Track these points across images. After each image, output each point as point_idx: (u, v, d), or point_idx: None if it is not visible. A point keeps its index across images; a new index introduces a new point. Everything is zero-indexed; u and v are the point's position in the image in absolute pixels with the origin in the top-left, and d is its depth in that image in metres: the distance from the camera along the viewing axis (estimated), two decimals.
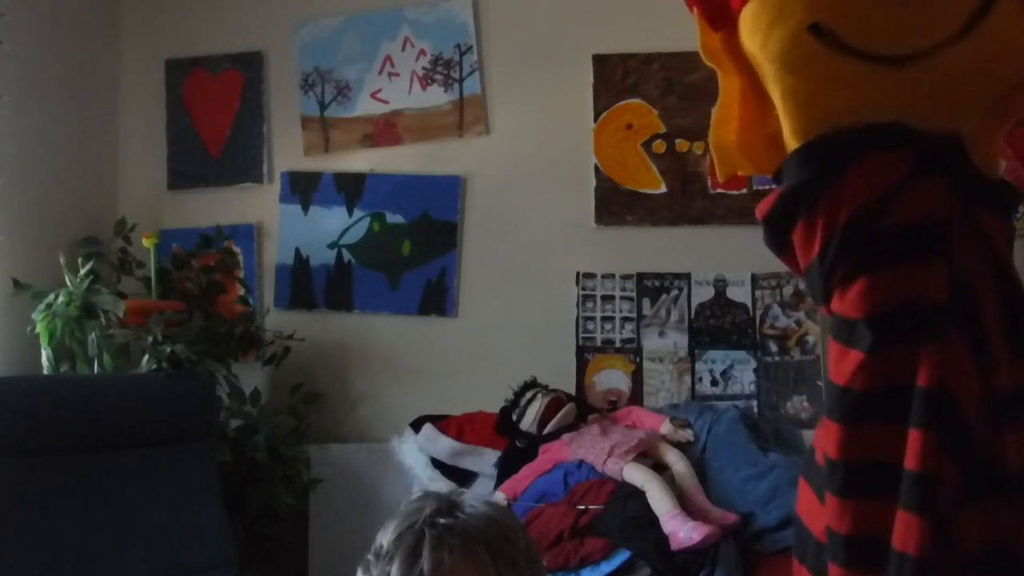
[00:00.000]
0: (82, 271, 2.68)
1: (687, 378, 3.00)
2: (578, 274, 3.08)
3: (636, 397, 3.00)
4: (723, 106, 1.52)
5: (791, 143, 1.39)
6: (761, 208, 1.45)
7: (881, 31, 1.30)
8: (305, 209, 3.24)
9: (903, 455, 1.28)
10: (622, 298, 3.06)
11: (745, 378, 2.97)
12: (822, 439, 1.40)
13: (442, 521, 1.14)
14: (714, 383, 2.98)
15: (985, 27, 1.27)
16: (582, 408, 2.83)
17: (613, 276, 3.07)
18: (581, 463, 2.57)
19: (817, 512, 1.40)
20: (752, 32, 1.38)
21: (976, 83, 1.32)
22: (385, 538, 1.15)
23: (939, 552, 1.24)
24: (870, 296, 1.33)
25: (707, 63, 1.52)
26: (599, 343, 3.05)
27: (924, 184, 1.32)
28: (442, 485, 2.74)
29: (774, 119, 1.42)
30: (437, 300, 3.15)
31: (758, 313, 2.99)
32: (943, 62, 1.29)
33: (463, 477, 2.83)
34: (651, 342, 3.03)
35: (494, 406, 2.86)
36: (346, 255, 3.20)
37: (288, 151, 3.27)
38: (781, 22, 1.34)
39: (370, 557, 1.16)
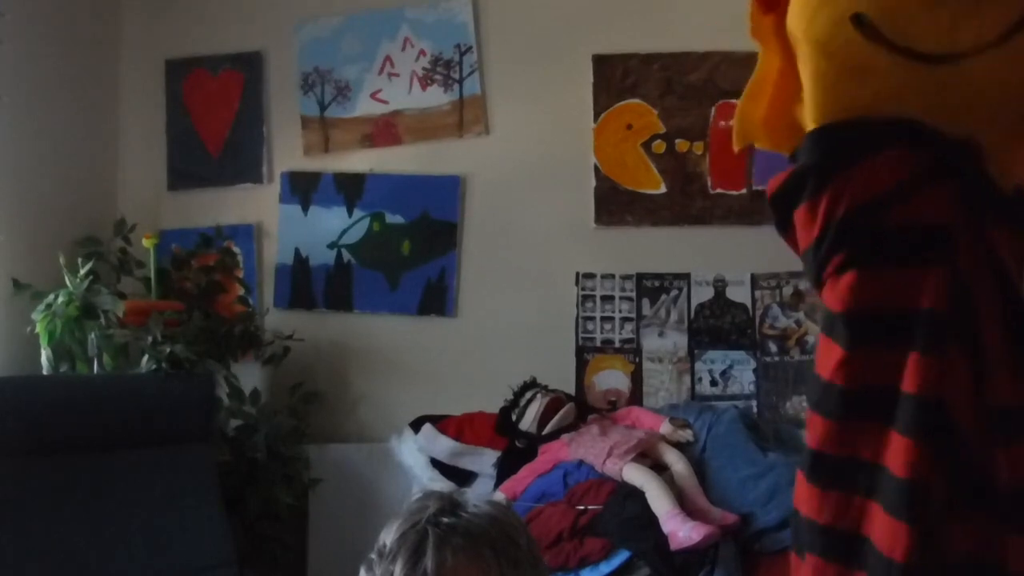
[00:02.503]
0: (82, 271, 2.68)
1: (687, 378, 3.00)
2: (578, 274, 3.08)
3: (636, 397, 3.00)
4: (758, 81, 1.54)
5: (810, 125, 1.41)
6: (771, 184, 1.47)
7: (921, 29, 1.31)
8: (305, 209, 3.24)
9: (880, 452, 1.29)
10: (622, 298, 3.06)
11: (744, 378, 2.97)
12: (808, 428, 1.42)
13: (445, 520, 1.14)
14: (714, 383, 2.98)
15: (1021, 39, 1.29)
16: (582, 408, 2.84)
17: (613, 276, 3.07)
18: (580, 463, 2.57)
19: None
20: (799, 14, 1.40)
21: (1003, 91, 1.33)
22: (388, 537, 1.15)
23: (924, 560, 1.24)
24: (855, 292, 1.34)
25: (752, 39, 1.54)
26: (599, 343, 3.05)
27: (932, 188, 1.33)
28: (442, 485, 2.74)
29: (801, 106, 1.45)
30: (437, 300, 3.15)
31: (758, 313, 2.99)
32: (975, 66, 1.30)
33: (463, 477, 2.83)
34: (651, 342, 3.03)
35: (494, 406, 2.86)
36: (346, 255, 3.20)
37: (288, 151, 3.27)
38: (829, 6, 1.36)
39: (373, 556, 1.16)
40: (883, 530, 1.27)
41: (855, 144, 1.36)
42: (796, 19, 1.42)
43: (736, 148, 1.60)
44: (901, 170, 1.34)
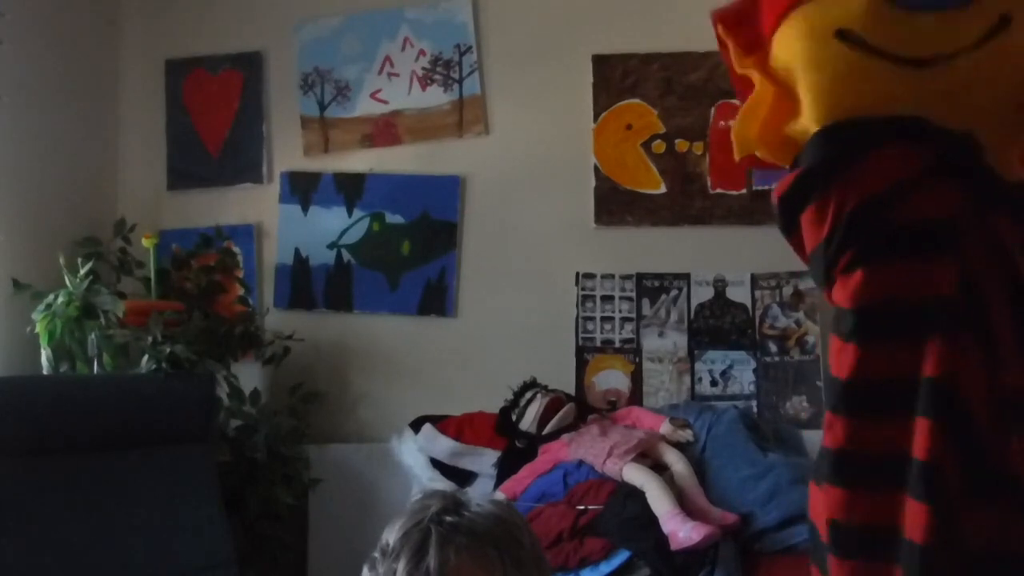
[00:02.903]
0: (82, 271, 2.67)
1: (686, 378, 3.00)
2: (578, 274, 3.08)
3: (636, 397, 3.00)
4: (753, 105, 1.57)
5: (813, 130, 1.43)
6: (778, 188, 1.49)
7: (905, 37, 1.37)
8: (305, 209, 3.24)
9: (907, 442, 1.30)
10: (622, 298, 3.06)
11: (744, 378, 2.97)
12: (826, 432, 1.42)
13: (449, 519, 1.14)
14: (713, 383, 2.98)
15: (997, 43, 1.35)
16: (582, 408, 2.84)
17: (613, 276, 3.07)
18: (580, 463, 2.57)
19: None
20: (783, 45, 1.46)
21: (989, 88, 1.37)
22: (391, 535, 1.15)
23: (944, 542, 1.25)
24: (866, 287, 1.35)
25: (741, 73, 1.59)
26: (599, 343, 3.05)
27: (936, 182, 1.36)
28: (442, 485, 2.74)
29: (795, 122, 1.48)
30: (437, 300, 3.15)
31: (758, 313, 2.99)
32: (960, 66, 1.35)
33: (463, 477, 2.83)
34: (651, 342, 3.03)
35: (494, 406, 2.86)
36: (346, 255, 3.20)
37: (288, 151, 3.26)
38: (810, 32, 1.42)
39: (376, 555, 1.16)
40: (908, 515, 1.29)
41: (858, 141, 1.39)
42: (780, 50, 1.47)
43: (737, 159, 1.65)
44: (906, 165, 1.37)
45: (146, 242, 2.86)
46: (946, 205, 1.35)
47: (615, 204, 3.07)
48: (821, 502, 1.42)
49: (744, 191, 3.01)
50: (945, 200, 1.35)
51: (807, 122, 1.44)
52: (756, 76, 1.54)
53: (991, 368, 1.31)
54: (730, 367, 2.98)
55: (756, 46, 1.52)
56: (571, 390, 2.97)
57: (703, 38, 2.94)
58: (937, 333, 1.32)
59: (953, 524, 1.26)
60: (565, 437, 2.68)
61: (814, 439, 2.74)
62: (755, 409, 2.93)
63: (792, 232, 1.49)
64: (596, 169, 3.08)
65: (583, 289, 3.08)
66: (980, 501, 1.28)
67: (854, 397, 1.36)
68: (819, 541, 1.43)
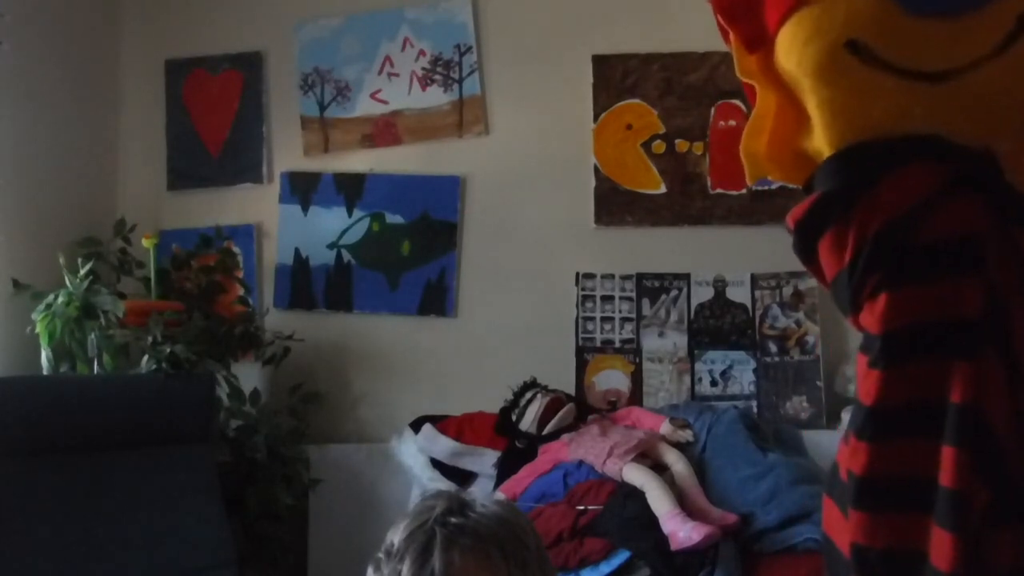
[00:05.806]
0: (82, 271, 2.67)
1: (687, 378, 3.00)
2: (578, 274, 3.08)
3: (636, 397, 3.00)
4: (757, 117, 1.51)
5: (826, 152, 1.39)
6: (793, 214, 1.44)
7: (918, 49, 1.31)
8: (305, 209, 3.24)
9: (933, 467, 1.28)
10: (622, 298, 3.06)
11: (744, 378, 2.97)
12: (847, 456, 1.39)
13: (453, 520, 1.14)
14: (713, 383, 2.99)
15: (1018, 48, 1.29)
16: (582, 408, 2.84)
17: (613, 276, 3.07)
18: (581, 463, 2.57)
19: (845, 529, 1.39)
20: (788, 50, 1.39)
21: (1009, 100, 1.33)
22: (396, 536, 1.15)
23: (971, 570, 1.23)
24: (892, 312, 1.32)
25: (744, 80, 1.51)
26: (599, 343, 3.06)
27: (959, 200, 1.31)
28: (442, 485, 2.74)
29: (805, 137, 1.43)
30: (437, 300, 3.16)
31: (758, 313, 2.99)
32: (978, 78, 1.30)
33: (463, 477, 2.83)
34: (651, 342, 3.03)
35: (494, 406, 2.86)
36: (346, 255, 3.20)
37: (288, 151, 3.27)
38: (817, 38, 1.34)
39: (380, 555, 1.16)
40: (934, 543, 1.27)
41: (875, 164, 1.33)
42: (786, 57, 1.40)
43: (750, 182, 1.58)
44: (926, 184, 1.31)
45: (146, 242, 2.86)
46: (969, 222, 1.30)
47: (615, 204, 3.07)
48: (840, 521, 1.39)
49: (744, 191, 3.01)
50: (967, 217, 1.30)
51: (819, 143, 1.39)
52: (758, 86, 1.49)
53: (1016, 391, 1.28)
54: (730, 367, 2.99)
55: (760, 41, 1.45)
56: (571, 390, 2.97)
57: (703, 38, 3.00)
58: (963, 357, 1.28)
59: (980, 551, 1.24)
60: (565, 437, 2.68)
61: (814, 439, 2.76)
62: (755, 409, 2.93)
63: (811, 259, 1.44)
64: (596, 169, 3.08)
65: (583, 289, 3.08)
66: (1008, 526, 1.26)
67: (879, 424, 1.33)
68: (839, 559, 1.41)
